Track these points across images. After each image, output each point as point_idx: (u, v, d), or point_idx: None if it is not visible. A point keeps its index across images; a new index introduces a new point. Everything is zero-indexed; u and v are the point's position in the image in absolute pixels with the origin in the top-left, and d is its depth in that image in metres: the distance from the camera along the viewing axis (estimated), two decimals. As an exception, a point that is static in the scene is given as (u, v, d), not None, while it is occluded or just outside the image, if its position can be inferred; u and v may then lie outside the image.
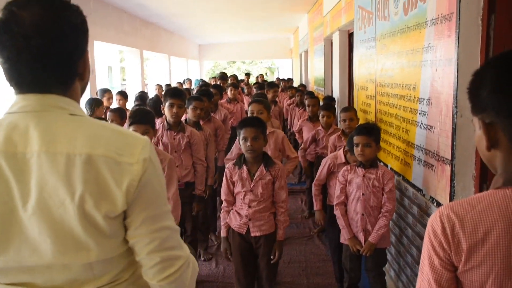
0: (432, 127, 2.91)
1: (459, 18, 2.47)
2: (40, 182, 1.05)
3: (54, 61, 1.10)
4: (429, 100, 2.96)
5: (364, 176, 3.09)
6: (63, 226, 1.07)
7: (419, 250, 3.16)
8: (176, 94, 3.74)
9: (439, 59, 2.77)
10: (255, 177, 2.98)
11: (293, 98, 8.50)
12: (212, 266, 4.34)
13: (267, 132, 3.76)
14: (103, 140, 1.10)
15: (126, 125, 4.12)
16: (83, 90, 1.25)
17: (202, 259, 4.40)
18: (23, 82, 1.10)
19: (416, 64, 3.19)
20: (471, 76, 1.13)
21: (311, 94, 7.20)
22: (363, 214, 3.08)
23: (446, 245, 1.05)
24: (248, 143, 2.90)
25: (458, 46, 2.49)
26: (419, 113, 3.15)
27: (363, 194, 3.08)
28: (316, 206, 3.74)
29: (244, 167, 3.01)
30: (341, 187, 3.19)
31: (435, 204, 2.88)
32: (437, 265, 1.07)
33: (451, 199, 2.65)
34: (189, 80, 12.58)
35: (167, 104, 3.68)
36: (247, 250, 3.07)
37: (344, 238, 3.18)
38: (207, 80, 13.81)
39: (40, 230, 1.06)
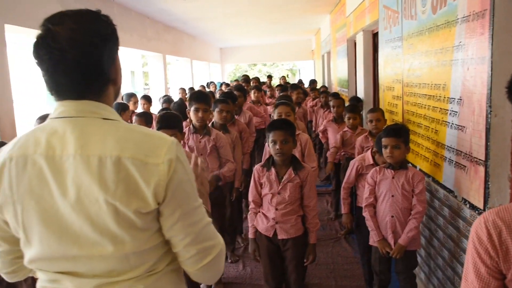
0: (464, 127, 2.85)
1: (493, 15, 2.41)
2: (76, 182, 1.15)
3: (87, 70, 1.20)
4: (461, 99, 2.90)
5: (393, 177, 3.04)
6: (99, 221, 1.16)
7: (451, 253, 3.10)
8: (201, 98, 3.75)
9: (471, 58, 2.71)
10: (283, 180, 2.96)
11: (316, 100, 8.46)
12: (239, 268, 4.34)
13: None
14: (131, 142, 1.19)
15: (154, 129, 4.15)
16: (116, 94, 1.35)
17: (229, 261, 4.40)
18: (60, 90, 1.23)
19: (446, 63, 3.13)
20: None
21: (336, 95, 7.16)
22: (392, 216, 3.03)
23: (493, 252, 1.01)
24: (277, 146, 2.89)
25: (492, 44, 2.43)
26: (450, 113, 3.09)
27: (392, 196, 3.03)
28: (344, 209, 3.72)
29: (273, 170, 2.99)
30: (370, 189, 3.15)
31: (468, 205, 2.82)
32: (483, 273, 1.03)
33: (485, 201, 2.59)
34: (213, 83, 12.63)
35: (192, 108, 3.70)
36: (275, 252, 3.05)
37: (373, 240, 3.13)
38: (229, 83, 13.86)
39: (79, 224, 1.17)
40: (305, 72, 29.23)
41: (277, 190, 2.96)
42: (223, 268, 1.39)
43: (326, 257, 4.55)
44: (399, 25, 4.42)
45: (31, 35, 5.42)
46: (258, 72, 37.50)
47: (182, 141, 3.39)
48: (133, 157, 1.16)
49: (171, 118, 3.07)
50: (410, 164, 3.97)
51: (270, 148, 2.98)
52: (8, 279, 1.41)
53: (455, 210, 3.04)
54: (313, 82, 12.37)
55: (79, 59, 1.17)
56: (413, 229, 2.97)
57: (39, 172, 1.17)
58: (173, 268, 1.33)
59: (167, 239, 1.26)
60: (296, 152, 3.64)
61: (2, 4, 4.63)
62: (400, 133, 3.06)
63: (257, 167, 3.08)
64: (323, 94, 7.63)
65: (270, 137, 2.94)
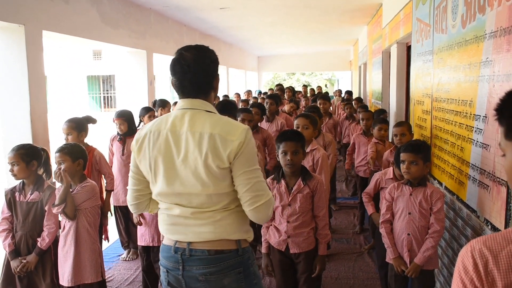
0: (488, 145, 2.76)
1: (519, 32, 2.34)
2: (186, 147, 1.89)
3: (202, 79, 1.98)
4: (486, 117, 2.81)
5: (411, 194, 2.97)
6: (196, 171, 1.87)
7: (473, 275, 3.00)
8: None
9: (497, 75, 2.63)
10: (292, 190, 2.95)
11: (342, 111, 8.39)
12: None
13: (311, 148, 3.72)
14: (219, 125, 1.90)
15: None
16: (215, 95, 2.11)
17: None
18: (184, 91, 1.98)
19: (473, 79, 3.04)
20: (505, 96, 1.05)
21: (365, 108, 7.06)
22: (409, 234, 2.94)
23: (478, 283, 0.97)
24: (288, 157, 2.87)
25: (516, 61, 2.36)
26: (475, 131, 3.00)
27: (409, 213, 2.95)
28: (370, 210, 3.69)
29: (282, 181, 2.98)
30: (387, 205, 3.08)
31: (489, 227, 2.72)
32: None
33: (506, 223, 2.50)
34: (249, 91, 12.67)
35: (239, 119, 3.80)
36: (288, 265, 3.03)
37: (389, 257, 3.06)
38: (267, 91, 13.88)
39: (185, 173, 1.89)
40: (344, 82, 29.01)
41: (287, 202, 2.94)
42: (271, 216, 2.01)
43: (347, 271, 4.47)
44: (431, 39, 4.34)
45: (68, 41, 5.62)
46: (297, 81, 37.49)
47: None
48: (219, 134, 1.87)
49: None
50: (436, 181, 3.88)
51: (280, 158, 2.97)
52: (131, 209, 2.14)
53: (477, 230, 2.94)
54: (350, 94, 12.27)
55: (198, 72, 1.95)
56: (430, 249, 2.88)
57: (166, 140, 1.92)
58: (239, 209, 1.96)
59: (235, 187, 1.91)
60: (311, 168, 3.62)
61: (40, 11, 4.82)
62: (419, 149, 2.97)
63: (267, 180, 3.08)
64: (348, 106, 7.52)
65: (281, 147, 2.93)
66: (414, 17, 5.22)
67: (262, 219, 1.97)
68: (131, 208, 2.13)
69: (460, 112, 3.33)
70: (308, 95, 13.19)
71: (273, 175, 3.08)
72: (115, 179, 4.66)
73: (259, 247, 4.83)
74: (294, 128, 3.75)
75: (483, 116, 2.85)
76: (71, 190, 2.93)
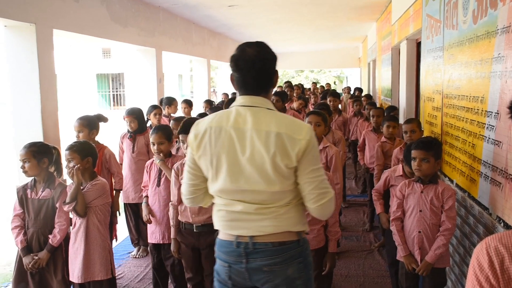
0: (500, 142, 2.73)
1: (531, 27, 2.31)
2: (251, 145, 1.89)
3: (264, 76, 2.00)
4: (498, 113, 2.79)
5: (422, 192, 2.94)
6: (263, 169, 1.89)
7: (485, 273, 2.98)
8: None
9: (510, 70, 2.60)
10: None
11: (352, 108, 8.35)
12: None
13: (323, 146, 3.70)
14: (284, 124, 1.92)
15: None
16: (271, 92, 2.12)
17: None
18: (247, 88, 1.99)
19: (485, 75, 3.01)
20: None
21: (374, 105, 7.04)
22: (419, 232, 2.92)
23: (494, 280, 0.96)
24: None
25: (529, 57, 2.33)
26: (487, 127, 2.97)
27: (420, 211, 2.93)
28: (378, 209, 3.66)
29: None
30: (398, 202, 3.06)
31: (502, 224, 2.70)
32: None
33: (519, 220, 2.47)
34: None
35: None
36: None
37: (399, 255, 3.04)
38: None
39: (250, 170, 1.90)
40: (353, 79, 28.92)
41: None
42: (333, 211, 2.05)
43: (357, 269, 4.46)
44: (441, 35, 4.30)
45: (78, 39, 5.63)
46: (305, 79, 37.39)
47: None
48: (286, 133, 1.89)
49: (190, 125, 3.08)
50: (446, 178, 3.85)
51: None
52: (186, 203, 2.16)
53: (489, 228, 2.92)
54: (360, 90, 12.21)
55: (262, 68, 1.97)
56: (441, 247, 2.85)
57: (229, 137, 1.92)
58: (300, 203, 2.02)
59: (300, 185, 1.96)
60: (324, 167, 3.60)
61: (51, 10, 4.85)
62: (430, 146, 2.95)
63: None
64: (357, 102, 7.48)
65: None
66: (424, 13, 5.18)
67: (326, 215, 2.04)
68: (186, 202, 2.17)
69: (471, 108, 3.30)
70: (317, 92, 13.15)
71: None
72: (125, 177, 4.68)
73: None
74: (306, 125, 3.74)
75: (495, 113, 2.83)
76: (81, 187, 2.95)
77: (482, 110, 3.06)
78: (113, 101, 29.89)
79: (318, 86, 15.47)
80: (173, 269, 3.56)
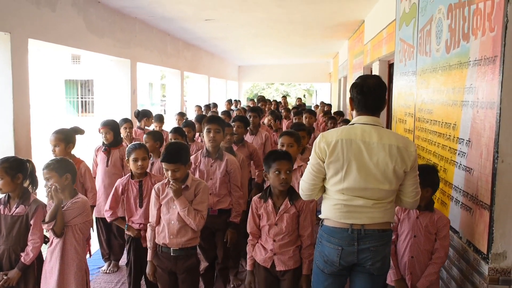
0: (471, 169, 2.85)
1: (503, 62, 2.44)
2: (377, 155, 2.45)
3: (381, 101, 2.57)
4: (469, 141, 2.90)
5: (417, 217, 2.94)
6: (386, 173, 2.46)
7: (454, 294, 3.07)
8: (213, 119, 3.79)
9: (481, 101, 2.72)
10: (279, 210, 2.97)
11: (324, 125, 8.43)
12: (241, 293, 4.33)
13: (297, 165, 3.73)
14: (399, 139, 2.52)
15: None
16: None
17: (232, 286, 4.39)
18: (367, 109, 2.55)
19: (457, 103, 3.14)
20: None
21: (347, 122, 7.16)
22: (412, 257, 2.91)
23: None
24: (283, 176, 2.90)
25: (501, 90, 2.45)
26: (458, 153, 3.09)
27: (414, 236, 2.92)
28: None
29: (270, 201, 3.00)
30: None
31: (472, 248, 2.80)
32: None
33: (489, 246, 2.58)
34: (229, 101, 12.60)
35: (205, 130, 3.73)
36: (273, 283, 3.03)
37: (390, 279, 3.04)
38: (244, 101, 13.81)
39: (375, 173, 2.45)
40: (322, 93, 29.29)
41: (274, 221, 2.96)
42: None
43: None
44: (414, 60, 4.45)
45: (53, 49, 5.53)
46: (275, 91, 37.68)
47: (190, 169, 3.36)
48: (403, 147, 2.47)
49: (173, 153, 3.02)
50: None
51: (271, 177, 2.96)
52: (303, 197, 2.70)
53: (459, 251, 3.02)
54: (327, 106, 12.36)
55: (379, 95, 2.54)
56: (433, 274, 2.86)
57: (359, 147, 2.46)
58: (393, 201, 2.60)
59: (405, 186, 2.55)
60: (296, 184, 3.62)
61: (27, 19, 4.77)
62: (424, 174, 2.82)
63: (255, 199, 3.09)
64: (331, 120, 7.59)
65: (273, 166, 2.93)
66: (397, 37, 5.34)
67: (415, 207, 2.71)
68: (303, 197, 2.70)
69: (443, 134, 3.42)
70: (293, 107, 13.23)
71: (260, 194, 3.10)
72: (98, 190, 4.61)
73: (241, 261, 4.85)
74: (279, 146, 3.76)
75: (467, 140, 2.94)
76: (61, 205, 2.90)
77: (454, 137, 3.18)
78: (82, 108, 29.36)
79: (288, 100, 15.58)
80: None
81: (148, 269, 3.20)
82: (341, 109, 12.17)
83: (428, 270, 2.91)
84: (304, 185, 2.63)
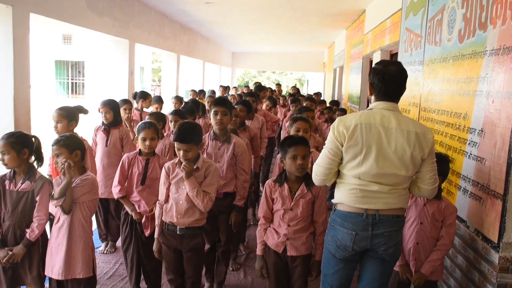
0: (484, 159, 2.85)
1: (524, 52, 2.43)
2: (395, 140, 2.44)
3: (401, 88, 2.54)
4: (482, 131, 2.91)
5: (425, 205, 2.96)
6: (403, 158, 2.44)
7: (458, 282, 3.10)
8: (219, 102, 3.73)
9: (497, 91, 2.72)
10: (295, 195, 2.94)
11: (321, 114, 8.42)
12: (240, 276, 4.33)
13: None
14: (417, 125, 2.51)
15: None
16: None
17: (231, 268, 4.38)
18: (387, 95, 2.52)
19: (470, 93, 3.13)
20: None
21: (344, 111, 7.17)
22: (417, 243, 2.94)
23: None
24: (299, 162, 2.86)
25: (521, 80, 2.45)
26: (469, 143, 3.09)
27: (421, 223, 2.95)
28: None
29: (285, 185, 2.97)
30: None
31: (480, 237, 2.82)
32: None
33: (500, 235, 2.59)
34: (224, 87, 12.50)
35: (212, 113, 3.68)
36: (282, 268, 3.02)
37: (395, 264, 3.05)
38: (237, 87, 13.72)
39: (393, 158, 2.44)
40: (314, 83, 29.29)
41: (289, 206, 2.93)
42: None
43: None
44: (421, 49, 4.44)
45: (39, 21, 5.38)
46: (267, 79, 37.57)
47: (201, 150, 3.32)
48: (421, 133, 2.47)
49: (186, 133, 2.98)
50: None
51: (287, 163, 2.93)
52: (316, 182, 2.67)
53: (466, 240, 3.04)
54: (316, 95, 12.34)
55: (400, 83, 2.52)
56: (437, 260, 2.89)
57: (378, 132, 2.44)
58: (408, 188, 2.60)
59: (422, 173, 2.53)
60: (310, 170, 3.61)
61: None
62: (437, 163, 2.90)
63: (269, 182, 3.05)
64: (327, 110, 7.59)
65: (290, 152, 2.89)
66: (403, 27, 5.33)
67: (433, 195, 2.65)
68: (316, 181, 2.67)
69: (452, 124, 3.42)
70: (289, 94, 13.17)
71: (275, 178, 3.07)
72: (97, 170, 4.55)
73: (240, 245, 4.85)
74: (294, 131, 3.73)
75: (479, 130, 2.94)
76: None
77: (465, 126, 3.18)
78: (72, 89, 28.99)
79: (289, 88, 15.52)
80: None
81: (154, 246, 3.17)
82: (336, 99, 12.16)
83: (432, 256, 2.92)
84: (318, 169, 2.60)
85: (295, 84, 38.55)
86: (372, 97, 2.61)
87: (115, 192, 3.55)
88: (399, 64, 2.59)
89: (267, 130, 6.35)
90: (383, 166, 2.44)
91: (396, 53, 6.01)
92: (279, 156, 3.22)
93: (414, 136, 2.43)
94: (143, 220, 3.51)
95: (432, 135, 2.51)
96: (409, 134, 2.43)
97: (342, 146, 2.49)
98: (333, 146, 2.52)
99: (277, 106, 9.42)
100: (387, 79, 2.48)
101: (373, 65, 7.28)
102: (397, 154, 2.43)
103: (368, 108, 2.60)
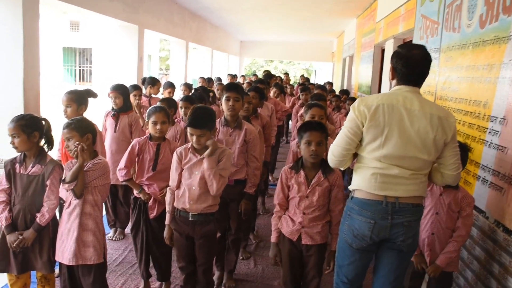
0: (505, 148, 2.77)
1: (553, 36, 2.33)
2: (418, 122, 2.36)
3: (424, 73, 2.47)
4: (504, 119, 2.82)
5: (441, 194, 2.88)
6: (425, 142, 2.37)
7: (475, 274, 3.03)
8: (232, 87, 3.66)
9: (522, 77, 2.63)
10: (312, 183, 2.88)
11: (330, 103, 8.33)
12: (250, 265, 4.28)
13: None
14: (440, 109, 2.45)
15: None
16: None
17: (241, 257, 4.34)
18: (410, 80, 2.44)
19: (491, 80, 3.04)
20: None
21: (353, 100, 7.08)
22: (432, 234, 2.87)
23: None
24: (313, 147, 2.79)
25: (548, 66, 2.35)
26: (489, 132, 3.01)
27: (436, 213, 2.88)
28: None
29: (302, 172, 2.90)
30: None
31: (501, 228, 2.74)
32: None
33: (522, 226, 2.52)
34: (230, 75, 12.46)
35: (223, 98, 3.61)
36: (297, 256, 2.97)
37: None
38: (239, 78, 13.62)
39: (416, 141, 2.37)
40: (321, 73, 29.08)
41: (305, 194, 2.87)
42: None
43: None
44: (438, 36, 4.33)
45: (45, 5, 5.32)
46: (274, 69, 37.38)
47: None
48: (444, 117, 2.40)
49: (200, 118, 2.90)
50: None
51: (302, 149, 2.87)
52: (333, 164, 2.58)
53: (485, 231, 2.96)
54: (329, 84, 12.25)
55: (424, 68, 2.45)
56: (453, 252, 2.82)
57: (400, 113, 2.37)
58: (428, 174, 2.52)
59: (444, 157, 2.45)
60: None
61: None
62: None
63: (285, 169, 2.98)
64: (335, 98, 7.49)
65: (305, 137, 2.83)
66: (418, 14, 5.21)
67: (457, 182, 2.58)
68: (332, 162, 2.57)
69: (471, 112, 3.34)
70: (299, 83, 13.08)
71: (291, 164, 3.00)
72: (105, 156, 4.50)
73: (251, 234, 4.80)
74: (309, 118, 3.65)
75: (501, 118, 2.86)
76: None
77: (485, 115, 3.09)
78: (79, 76, 28.97)
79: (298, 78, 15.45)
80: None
81: (165, 233, 3.12)
82: (346, 88, 12.05)
83: (448, 247, 2.86)
84: (336, 149, 2.50)
85: (303, 74, 38.38)
86: (394, 81, 2.53)
87: (120, 175, 3.48)
88: (424, 48, 2.48)
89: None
90: (405, 148, 2.36)
91: (410, 41, 5.90)
92: (293, 142, 3.15)
93: (437, 120, 2.36)
94: (150, 202, 3.45)
95: (454, 119, 2.44)
96: (432, 117, 2.36)
97: (363, 126, 2.40)
98: (354, 125, 2.43)
99: (286, 94, 9.35)
100: (411, 63, 2.40)
101: (385, 53, 7.14)
102: (420, 137, 2.35)
103: (390, 91, 2.52)
